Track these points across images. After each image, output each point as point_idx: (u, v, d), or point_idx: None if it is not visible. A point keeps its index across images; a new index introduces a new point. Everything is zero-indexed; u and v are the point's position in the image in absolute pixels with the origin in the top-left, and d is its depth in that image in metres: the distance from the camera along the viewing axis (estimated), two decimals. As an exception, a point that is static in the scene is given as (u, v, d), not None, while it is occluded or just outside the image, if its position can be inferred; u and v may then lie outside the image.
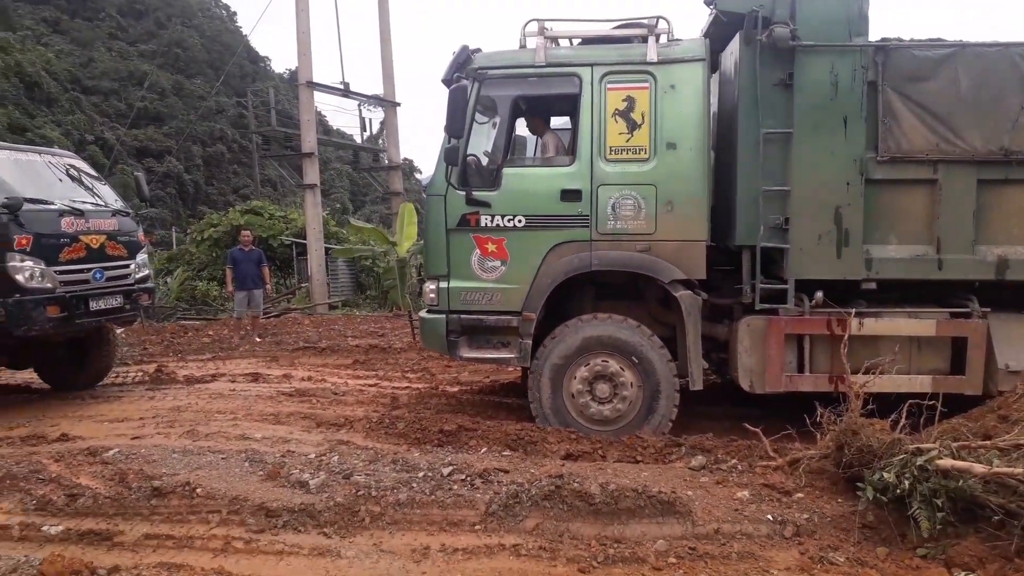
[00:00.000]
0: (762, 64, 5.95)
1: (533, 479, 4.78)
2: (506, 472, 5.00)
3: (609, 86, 6.10)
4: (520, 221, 6.21)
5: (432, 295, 6.41)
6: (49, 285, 7.32)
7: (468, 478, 4.91)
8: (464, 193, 6.21)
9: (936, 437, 4.38)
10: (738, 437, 5.77)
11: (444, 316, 6.36)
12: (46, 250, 7.34)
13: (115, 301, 8.05)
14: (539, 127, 6.82)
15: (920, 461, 4.09)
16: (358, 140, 27.38)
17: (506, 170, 6.27)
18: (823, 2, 5.92)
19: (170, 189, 48.29)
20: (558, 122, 7.09)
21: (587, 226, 6.15)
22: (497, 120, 6.52)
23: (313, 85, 19.30)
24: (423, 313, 6.59)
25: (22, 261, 7.14)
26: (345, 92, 21.62)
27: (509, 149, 6.50)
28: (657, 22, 6.18)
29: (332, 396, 8.05)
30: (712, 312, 6.57)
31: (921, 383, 6.08)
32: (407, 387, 8.74)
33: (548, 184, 6.21)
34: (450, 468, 5.07)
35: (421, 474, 5.01)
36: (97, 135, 47.45)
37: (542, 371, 6.28)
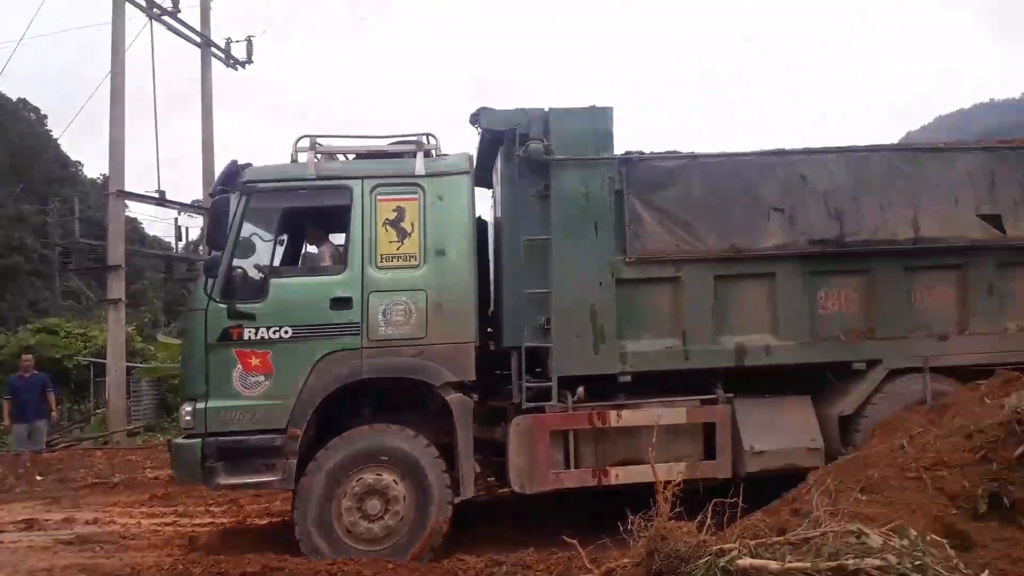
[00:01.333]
0: (521, 176, 6.39)
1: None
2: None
3: (380, 197, 6.28)
4: (287, 332, 6.11)
5: (188, 418, 6.08)
6: None
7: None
8: (226, 306, 6.08)
9: (737, 536, 4.41)
10: (559, 549, 5.61)
11: (200, 440, 6.03)
12: None
13: None
14: (318, 237, 6.87)
15: (722, 563, 4.05)
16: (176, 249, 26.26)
17: (273, 280, 6.23)
18: (572, 121, 6.49)
19: (-44, 306, 43.89)
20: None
21: (358, 334, 6.15)
22: (272, 233, 6.54)
23: (124, 194, 17.75)
24: (177, 439, 6.25)
25: None
26: (160, 201, 20.33)
27: (277, 260, 6.50)
28: (427, 139, 6.51)
29: (119, 541, 7.27)
30: (492, 416, 6.68)
31: (678, 471, 6.41)
32: (210, 523, 8.08)
33: (317, 293, 6.22)
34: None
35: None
36: None
37: (309, 493, 6.02)
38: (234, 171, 6.28)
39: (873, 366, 6.62)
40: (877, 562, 3.72)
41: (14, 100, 51.46)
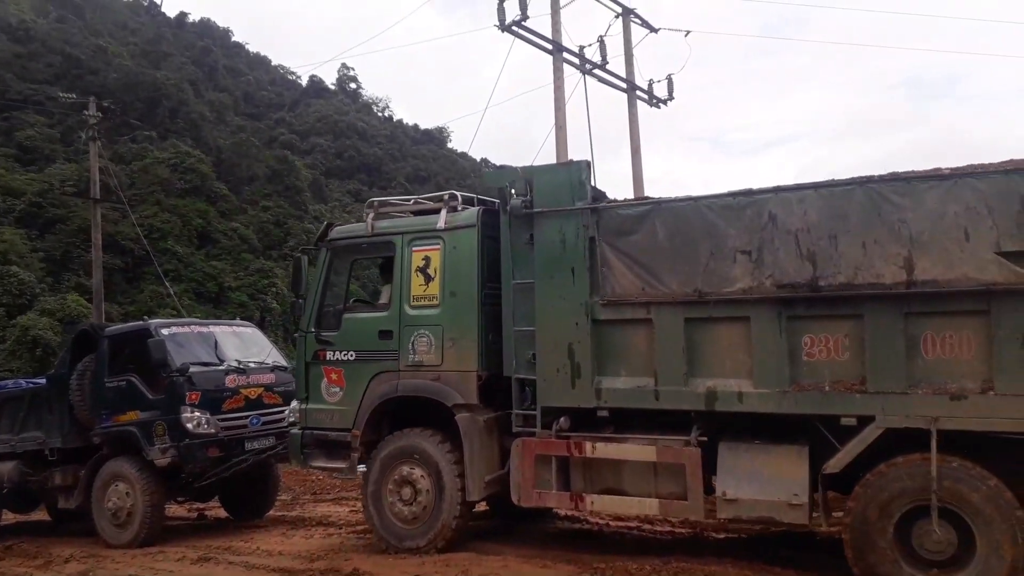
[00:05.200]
0: (512, 228, 7.27)
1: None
2: None
3: (414, 248, 7.78)
4: (352, 355, 7.93)
5: (295, 415, 8.27)
6: (212, 431, 9.32)
7: None
8: (314, 334, 8.12)
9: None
10: None
11: (300, 432, 8.16)
12: (212, 402, 9.39)
13: (268, 442, 9.75)
14: (383, 281, 8.46)
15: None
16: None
17: (345, 315, 8.11)
18: (551, 175, 7.22)
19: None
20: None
21: (396, 359, 7.70)
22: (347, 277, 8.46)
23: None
24: (292, 429, 8.43)
25: (192, 412, 9.29)
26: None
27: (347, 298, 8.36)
28: (449, 197, 7.80)
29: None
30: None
31: (650, 506, 6.63)
32: (669, 531, 8.40)
33: (371, 326, 7.92)
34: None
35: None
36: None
37: (368, 479, 7.75)
38: (325, 230, 8.33)
39: (867, 423, 5.90)
40: None
41: (478, 160, 62.37)
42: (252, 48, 73.82)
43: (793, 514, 6.12)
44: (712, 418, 6.51)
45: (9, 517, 11.57)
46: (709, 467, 6.50)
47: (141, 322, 10.66)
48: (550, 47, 16.51)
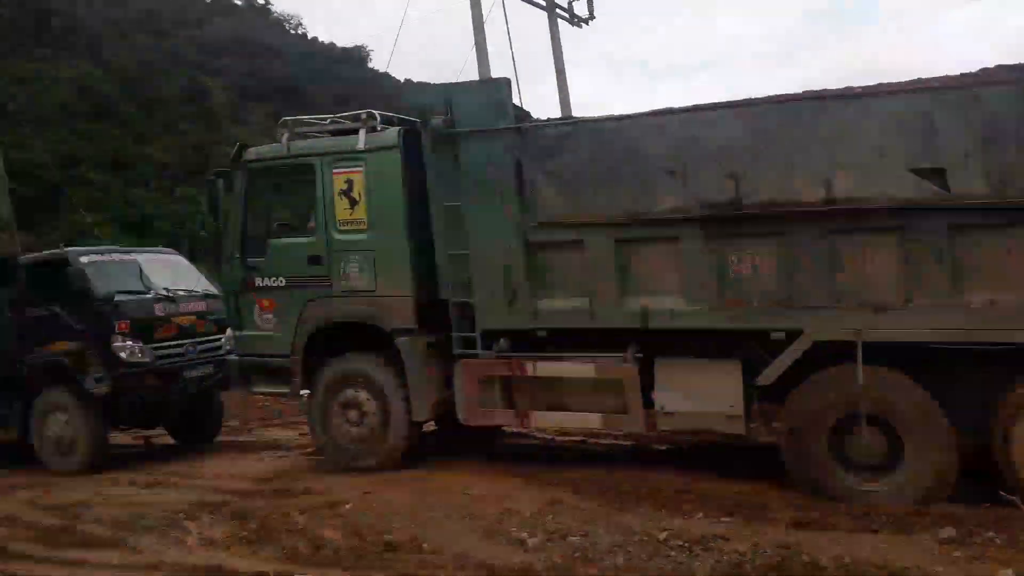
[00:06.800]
0: (436, 148, 7.00)
1: (756, 548, 4.69)
2: (726, 539, 4.93)
3: (335, 171, 7.47)
4: (282, 282, 7.78)
5: (231, 343, 8.18)
6: (147, 360, 8.97)
7: (686, 544, 4.94)
8: (239, 260, 7.92)
9: None
10: (991, 505, 5.42)
11: (239, 359, 8.12)
12: (143, 331, 8.94)
13: (207, 370, 9.43)
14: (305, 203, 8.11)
15: None
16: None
17: (271, 241, 7.87)
18: (471, 94, 6.89)
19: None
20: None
21: (329, 285, 7.58)
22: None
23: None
24: (229, 356, 8.36)
25: (123, 341, 8.93)
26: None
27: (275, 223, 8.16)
28: (367, 116, 7.44)
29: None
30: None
31: (592, 421, 6.88)
32: (610, 443, 8.62)
33: (299, 251, 7.72)
34: (665, 533, 5.15)
35: (636, 538, 5.12)
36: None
37: (313, 402, 7.81)
38: (238, 151, 7.92)
39: (795, 337, 6.03)
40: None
41: (401, 80, 57.25)
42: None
43: (731, 425, 6.43)
44: (648, 336, 6.61)
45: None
46: (649, 383, 6.66)
47: (58, 250, 10.07)
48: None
